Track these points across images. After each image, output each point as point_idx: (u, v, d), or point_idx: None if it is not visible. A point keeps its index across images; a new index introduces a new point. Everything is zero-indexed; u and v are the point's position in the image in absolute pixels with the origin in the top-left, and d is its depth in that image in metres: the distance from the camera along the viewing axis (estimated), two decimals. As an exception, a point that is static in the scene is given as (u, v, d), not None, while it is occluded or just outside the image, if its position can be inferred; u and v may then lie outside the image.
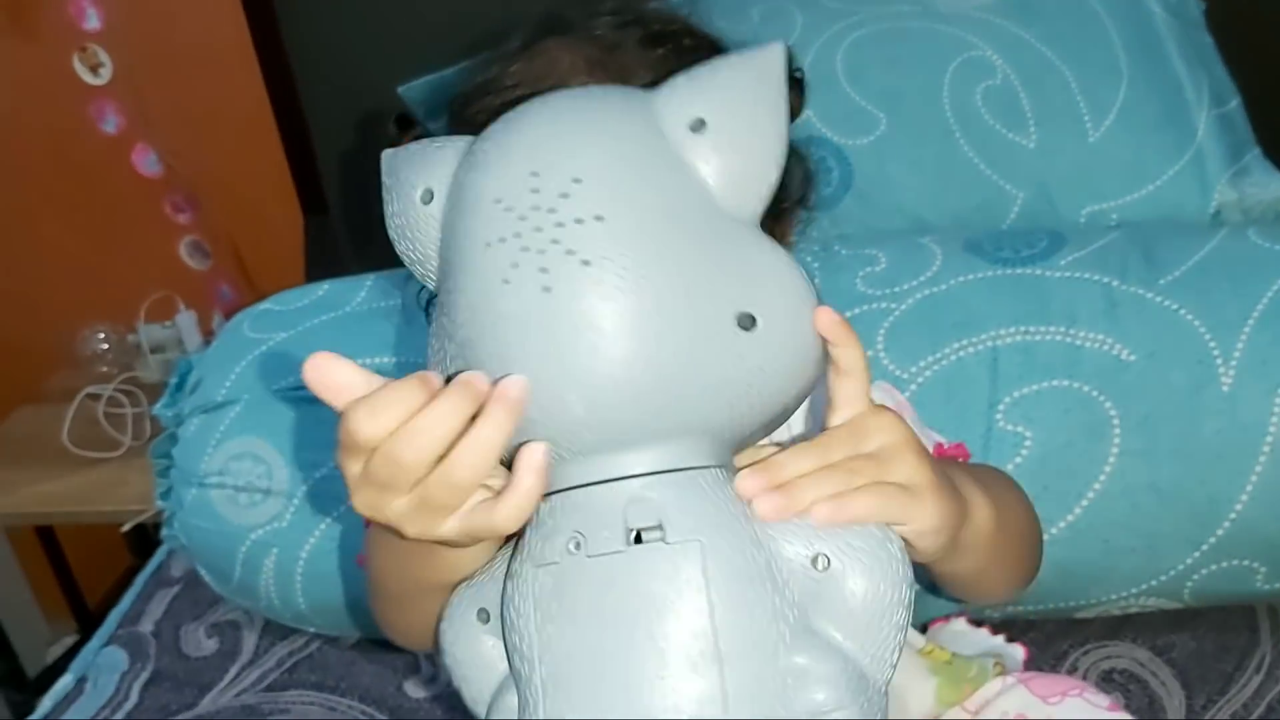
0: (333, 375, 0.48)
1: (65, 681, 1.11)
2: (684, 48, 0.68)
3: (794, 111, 0.76)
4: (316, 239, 1.62)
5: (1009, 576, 0.70)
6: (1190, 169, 1.13)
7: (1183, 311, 0.94)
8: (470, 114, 0.64)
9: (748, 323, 0.49)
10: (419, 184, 0.54)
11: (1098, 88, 1.15)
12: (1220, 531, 0.92)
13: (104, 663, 1.12)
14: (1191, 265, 0.97)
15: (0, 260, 1.77)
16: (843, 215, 1.12)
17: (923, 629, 0.93)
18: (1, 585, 1.76)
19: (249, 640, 1.13)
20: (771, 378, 0.51)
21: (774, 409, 0.53)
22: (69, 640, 1.91)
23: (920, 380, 0.96)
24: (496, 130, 0.53)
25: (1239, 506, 0.91)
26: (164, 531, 1.10)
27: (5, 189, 1.72)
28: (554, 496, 0.52)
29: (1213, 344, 0.93)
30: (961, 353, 0.96)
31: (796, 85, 0.76)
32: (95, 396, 1.61)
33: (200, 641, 1.14)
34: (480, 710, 0.57)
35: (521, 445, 0.48)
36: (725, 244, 0.50)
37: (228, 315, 1.16)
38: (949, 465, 0.62)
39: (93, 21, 1.50)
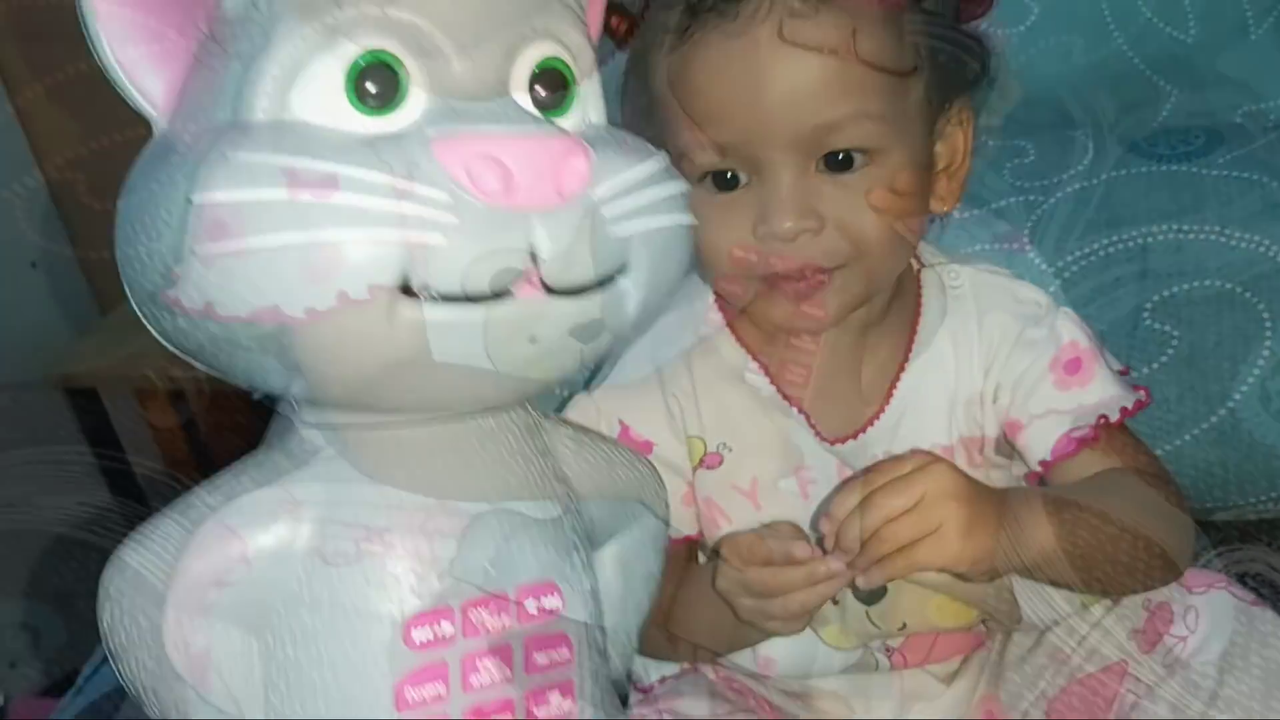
0: None
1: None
2: None
3: (975, 12, 0.74)
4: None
5: (1121, 580, 0.67)
6: (1356, 70, 1.09)
7: (1343, 214, 0.92)
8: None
9: None
10: None
11: (1263, -17, 1.10)
12: (1368, 437, 0.91)
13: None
14: (1354, 167, 0.95)
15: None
16: (990, 107, 1.10)
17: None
18: (133, 448, 1.83)
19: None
20: None
21: None
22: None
23: (1068, 275, 0.95)
24: None
25: (1390, 412, 0.90)
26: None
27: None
28: None
29: (1373, 247, 0.91)
30: (1111, 248, 0.95)
31: None
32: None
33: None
34: None
35: None
36: None
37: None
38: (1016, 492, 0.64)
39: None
